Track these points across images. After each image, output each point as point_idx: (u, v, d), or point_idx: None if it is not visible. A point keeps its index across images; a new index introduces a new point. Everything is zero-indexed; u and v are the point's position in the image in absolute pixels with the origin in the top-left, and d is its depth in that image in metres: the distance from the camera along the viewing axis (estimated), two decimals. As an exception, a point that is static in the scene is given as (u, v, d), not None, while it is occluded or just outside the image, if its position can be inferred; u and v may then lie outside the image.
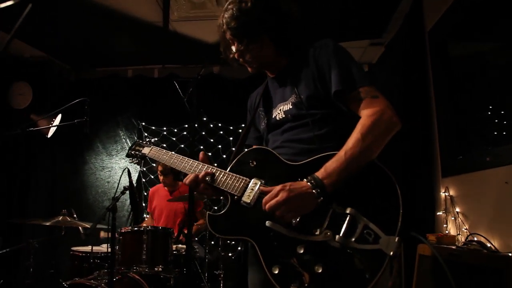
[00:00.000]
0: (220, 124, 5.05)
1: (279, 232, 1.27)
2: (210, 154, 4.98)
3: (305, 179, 1.28)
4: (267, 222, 1.28)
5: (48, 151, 5.12)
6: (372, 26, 4.25)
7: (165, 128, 5.16)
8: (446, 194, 3.09)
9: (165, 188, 4.28)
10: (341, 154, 1.27)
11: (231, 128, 5.01)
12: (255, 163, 1.46)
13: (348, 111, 1.40)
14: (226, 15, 1.53)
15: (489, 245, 2.27)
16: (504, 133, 2.63)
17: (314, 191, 1.24)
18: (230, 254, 4.69)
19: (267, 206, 1.26)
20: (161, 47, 4.75)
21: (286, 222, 1.27)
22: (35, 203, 4.91)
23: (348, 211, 1.20)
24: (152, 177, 5.09)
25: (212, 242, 4.58)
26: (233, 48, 1.57)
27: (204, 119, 5.07)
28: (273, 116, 1.59)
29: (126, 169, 2.93)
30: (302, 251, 1.21)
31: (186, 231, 3.59)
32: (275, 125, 1.59)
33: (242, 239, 1.37)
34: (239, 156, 1.52)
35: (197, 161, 1.58)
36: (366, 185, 1.25)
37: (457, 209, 2.96)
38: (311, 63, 1.48)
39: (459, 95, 3.12)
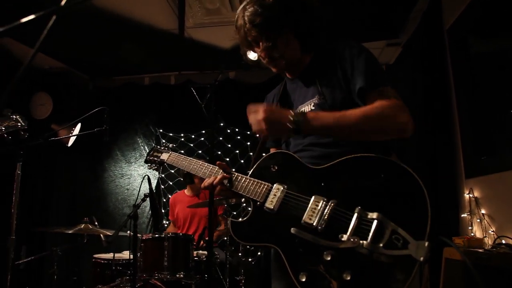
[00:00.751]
0: (237, 129, 5.06)
1: (305, 239, 1.25)
2: (228, 159, 4.99)
3: (291, 112, 1.33)
4: (292, 229, 1.26)
5: (69, 159, 5.21)
6: (388, 26, 4.20)
7: (182, 135, 5.19)
8: (471, 195, 3.02)
9: (187, 194, 4.30)
10: (336, 114, 1.31)
11: (248, 133, 5.00)
12: (276, 168, 1.44)
13: None
14: (247, 14, 1.48)
15: (518, 247, 2.20)
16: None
17: (290, 125, 1.31)
18: (250, 259, 4.67)
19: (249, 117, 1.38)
20: (177, 54, 4.78)
21: (312, 229, 1.25)
22: (57, 211, 5.00)
23: (374, 216, 1.17)
24: (171, 183, 5.12)
25: (233, 248, 4.57)
26: (258, 47, 1.52)
27: (221, 124, 5.09)
28: None
29: (146, 176, 2.96)
30: (329, 258, 1.19)
31: (207, 237, 3.60)
32: None
33: (266, 246, 1.35)
34: (259, 160, 1.51)
35: (216, 166, 1.57)
36: (391, 188, 1.22)
37: (483, 211, 2.88)
38: (335, 63, 1.44)
39: (481, 93, 3.05)
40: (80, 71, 5.38)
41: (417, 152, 3.54)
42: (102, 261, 3.42)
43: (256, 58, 3.83)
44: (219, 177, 1.50)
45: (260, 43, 1.50)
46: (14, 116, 2.24)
